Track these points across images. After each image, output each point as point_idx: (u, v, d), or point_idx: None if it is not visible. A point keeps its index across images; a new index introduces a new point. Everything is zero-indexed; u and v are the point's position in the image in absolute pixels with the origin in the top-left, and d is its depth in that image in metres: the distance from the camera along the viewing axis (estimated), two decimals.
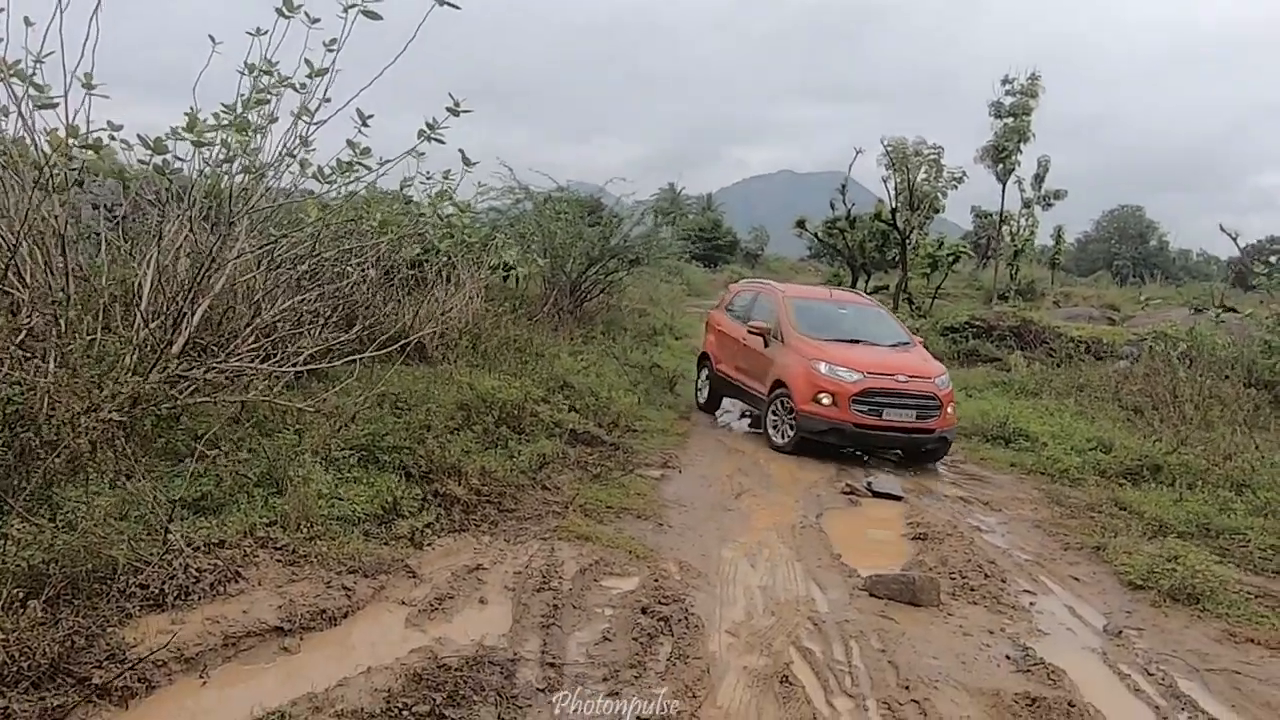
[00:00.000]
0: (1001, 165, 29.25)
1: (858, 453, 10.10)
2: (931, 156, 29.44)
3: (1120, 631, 5.47)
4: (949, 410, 9.86)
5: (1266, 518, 7.72)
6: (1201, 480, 8.82)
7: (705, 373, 12.18)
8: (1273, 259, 31.69)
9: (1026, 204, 34.33)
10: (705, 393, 12.07)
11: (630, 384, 11.54)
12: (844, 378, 9.58)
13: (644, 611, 4.89)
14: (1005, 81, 29.03)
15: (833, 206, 30.64)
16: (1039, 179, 33.89)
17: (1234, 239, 22.52)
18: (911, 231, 28.33)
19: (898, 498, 8.24)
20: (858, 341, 10.43)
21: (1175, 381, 13.30)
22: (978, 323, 23.16)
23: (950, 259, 28.74)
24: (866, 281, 30.62)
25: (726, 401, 12.19)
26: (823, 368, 9.72)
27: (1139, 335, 19.43)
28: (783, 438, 9.92)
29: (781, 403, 10.01)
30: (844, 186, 30.07)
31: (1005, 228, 34.32)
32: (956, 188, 29.34)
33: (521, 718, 3.75)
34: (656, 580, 5.43)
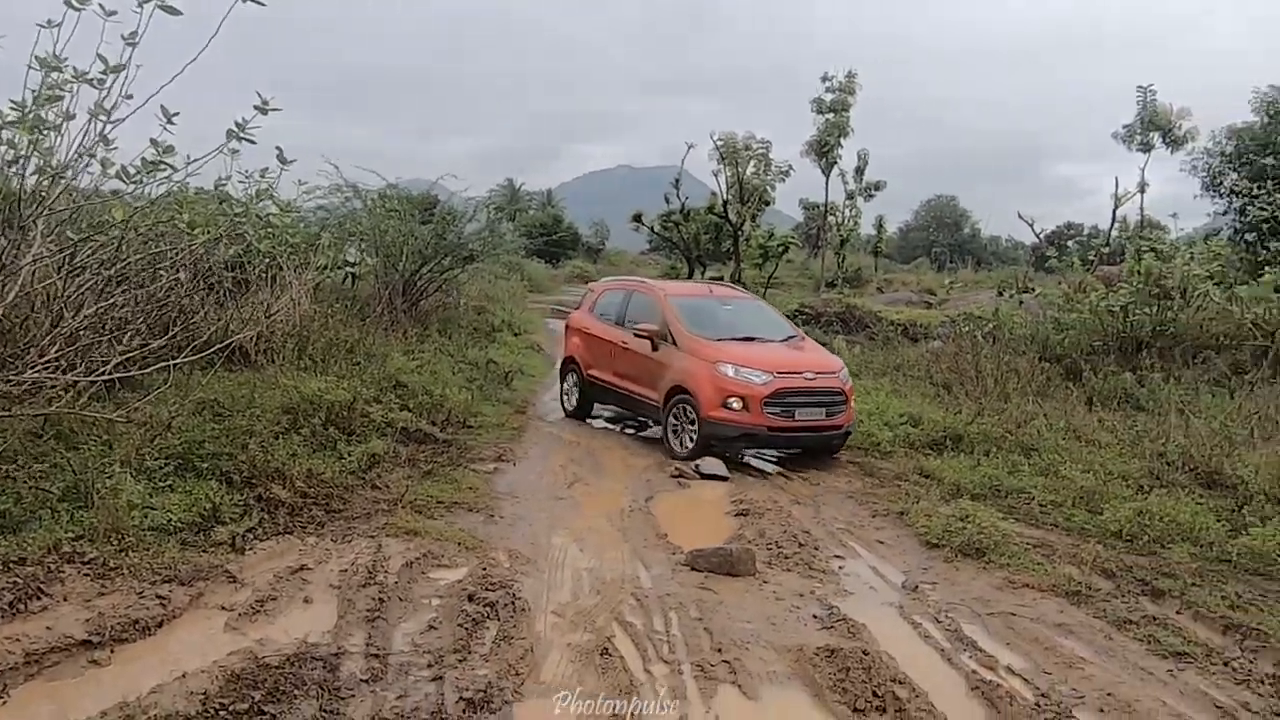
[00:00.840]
0: (824, 159, 30.70)
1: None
2: (760, 151, 30.60)
3: (916, 586, 5.98)
4: (851, 403, 9.82)
5: (1048, 477, 8.53)
6: (996, 447, 9.63)
7: (573, 378, 11.51)
8: (1069, 244, 34.47)
9: (850, 195, 36.14)
10: (574, 399, 11.44)
11: (466, 381, 11.57)
12: (753, 380, 9.15)
13: (470, 599, 5.01)
14: (825, 79, 30.55)
15: (667, 200, 31.36)
16: (860, 171, 35.75)
17: (1031, 225, 24.49)
18: (743, 223, 29.35)
19: (723, 478, 8.64)
20: (752, 339, 10.07)
21: (978, 359, 14.38)
22: (807, 310, 24.31)
23: (781, 249, 30.00)
24: (703, 273, 31.48)
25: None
26: (729, 370, 9.23)
27: (950, 317, 20.88)
28: (684, 447, 9.39)
29: (682, 409, 9.48)
30: (678, 181, 30.82)
31: (831, 218, 36.02)
32: (784, 180, 30.68)
33: (344, 708, 3.81)
34: (485, 569, 5.56)
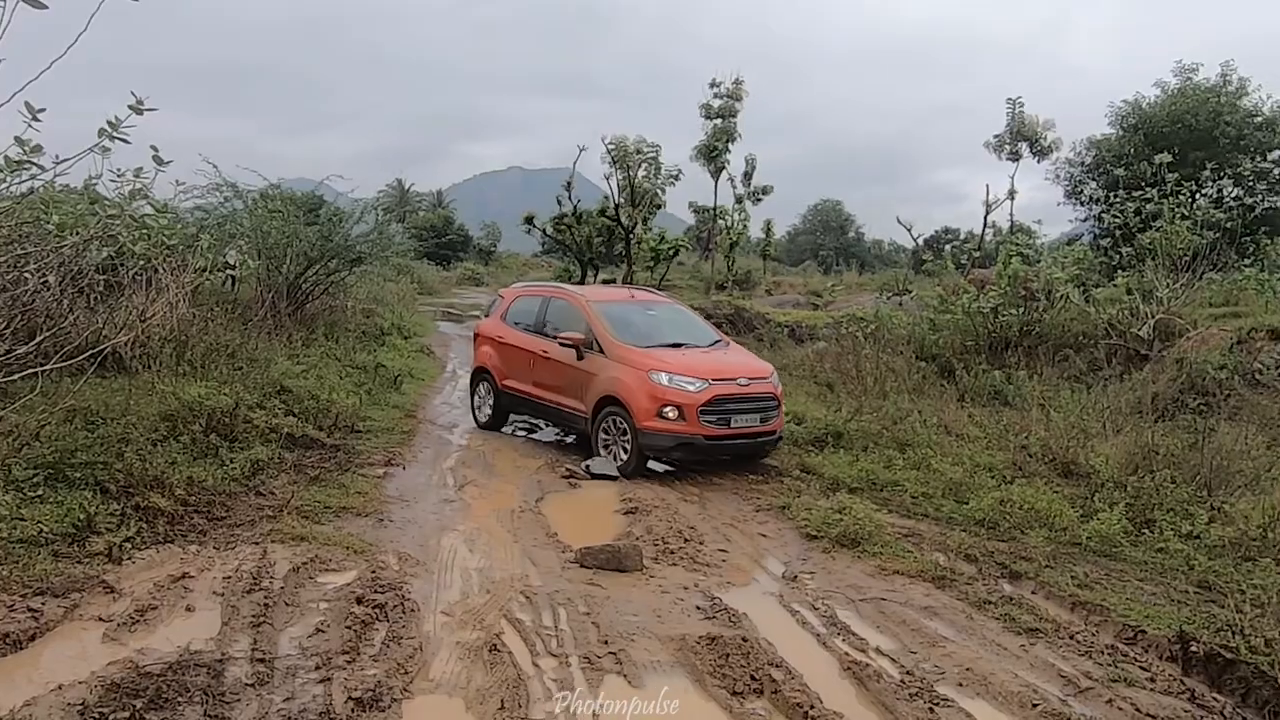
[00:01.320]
0: (713, 164, 31.26)
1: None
2: (651, 155, 30.95)
3: (795, 576, 6.26)
4: (782, 407, 9.73)
5: (920, 470, 9.00)
6: (874, 443, 10.08)
7: (486, 389, 11.09)
8: (947, 247, 35.97)
9: (739, 199, 36.82)
10: (487, 410, 11.03)
11: (354, 385, 11.43)
12: (687, 388, 8.87)
13: (359, 601, 5.03)
14: (713, 85, 31.10)
15: (559, 203, 31.41)
16: (748, 176, 36.44)
17: (909, 230, 25.49)
18: (635, 226, 29.64)
19: (613, 478, 8.80)
20: (679, 345, 9.77)
21: (859, 359, 14.97)
22: (697, 311, 24.70)
23: (671, 252, 30.47)
24: (595, 275, 31.65)
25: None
26: (663, 379, 8.92)
27: (835, 319, 21.61)
28: (618, 460, 9.08)
29: (613, 421, 9.16)
30: (569, 183, 30.90)
31: (721, 222, 36.67)
32: (674, 184, 31.11)
33: (230, 713, 3.81)
34: (374, 572, 5.58)
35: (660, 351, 9.44)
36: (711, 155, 31.20)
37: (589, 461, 9.08)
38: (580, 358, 9.67)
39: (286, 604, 4.97)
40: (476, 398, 11.35)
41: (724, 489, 8.70)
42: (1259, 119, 23.52)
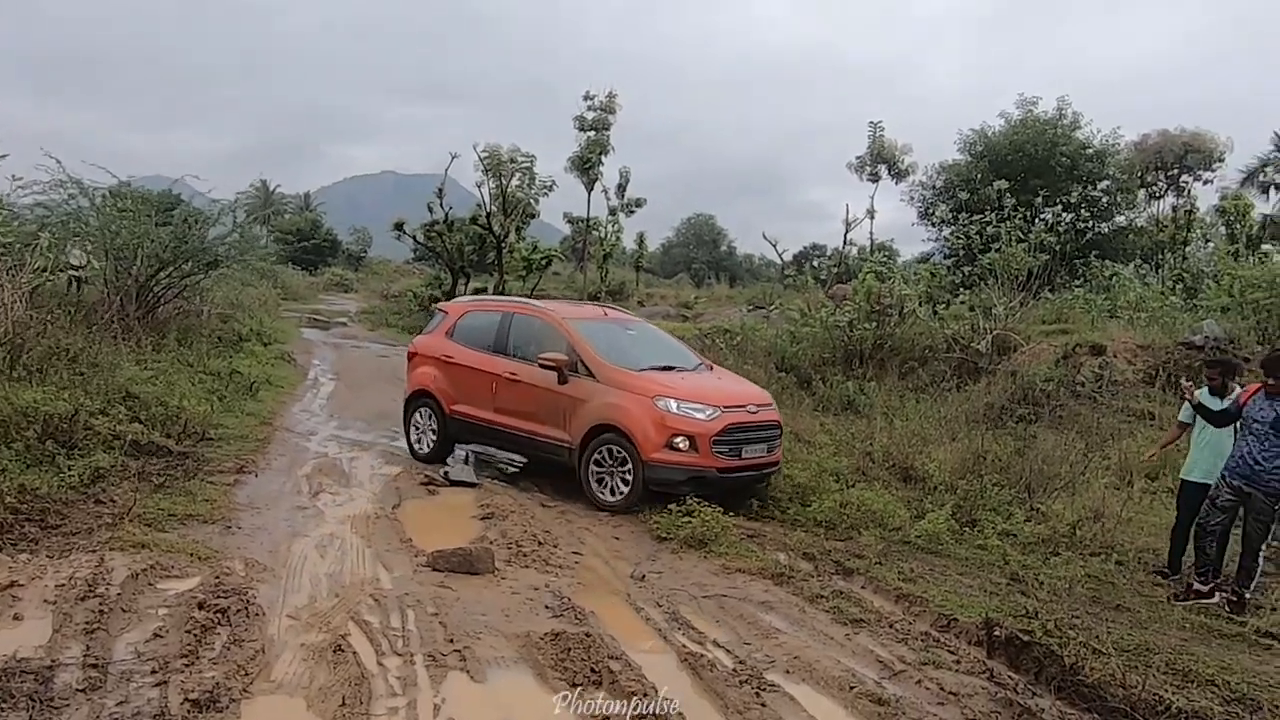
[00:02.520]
0: (586, 175, 31.58)
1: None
2: (525, 164, 31.01)
3: (644, 576, 6.51)
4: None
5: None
6: None
7: (428, 416, 9.90)
8: (814, 263, 37.19)
9: (612, 211, 37.27)
10: (430, 440, 9.85)
11: (206, 392, 11.12)
12: (698, 416, 8.17)
13: (201, 607, 4.99)
14: (587, 98, 31.45)
15: (430, 210, 31.08)
16: (622, 188, 36.97)
17: (774, 245, 26.40)
18: (507, 235, 29.60)
19: (473, 484, 8.88)
20: (672, 368, 9.04)
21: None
22: None
23: (544, 262, 30.54)
24: (466, 284, 31.42)
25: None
26: (673, 406, 8.17)
27: (703, 330, 22.15)
28: (615, 494, 8.30)
29: (609, 452, 8.34)
30: (441, 190, 30.61)
31: (596, 233, 37.03)
32: (548, 195, 31.24)
33: (58, 717, 3.75)
34: (218, 578, 5.52)
35: (657, 375, 8.71)
36: (585, 167, 31.53)
37: (447, 468, 9.12)
38: (563, 381, 8.72)
39: (124, 610, 4.89)
40: (414, 426, 10.05)
41: (581, 495, 8.88)
42: (1090, 150, 25.45)
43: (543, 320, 9.42)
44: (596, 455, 8.42)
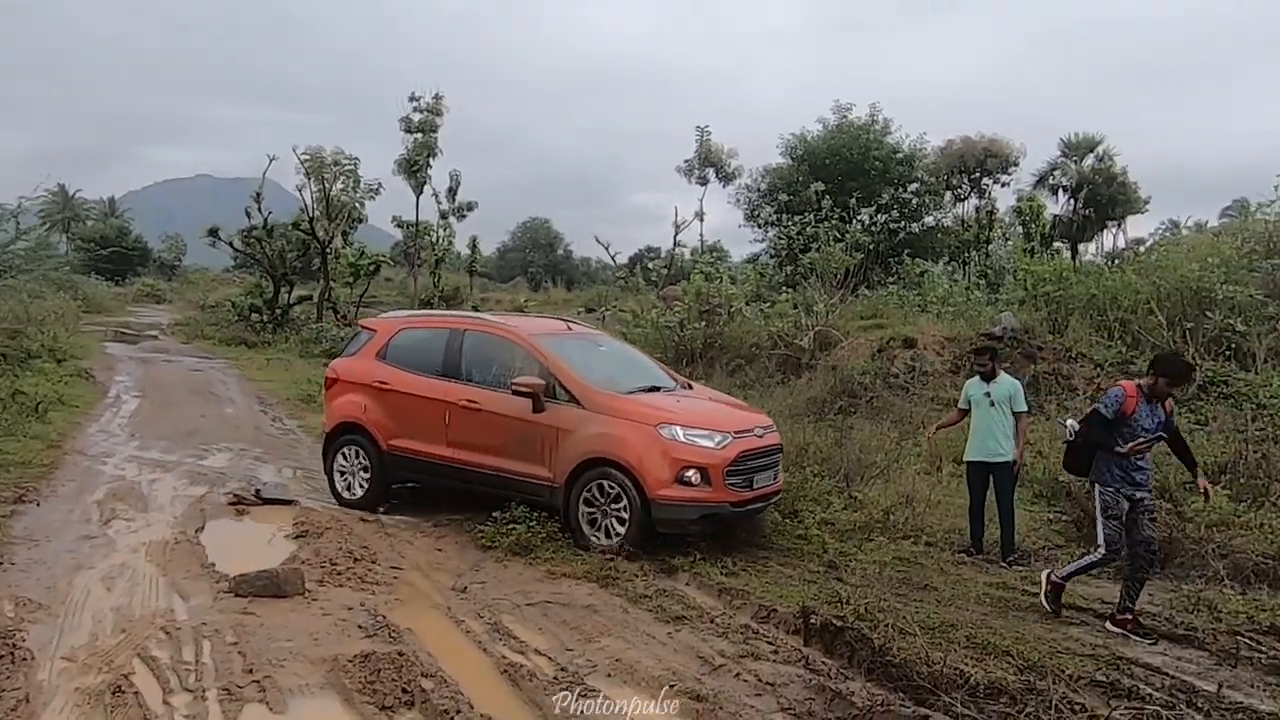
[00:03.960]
0: (414, 178, 30.79)
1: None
2: (349, 167, 29.96)
3: (465, 588, 6.32)
4: None
5: None
6: None
7: (357, 453, 8.52)
8: (649, 265, 37.68)
9: (444, 215, 36.47)
10: (362, 481, 8.50)
11: None
12: (707, 444, 7.20)
13: None
14: (413, 99, 30.65)
15: (248, 214, 29.55)
16: (453, 192, 36.21)
17: (606, 248, 26.46)
18: (331, 240, 28.50)
19: (288, 502, 8.42)
20: (658, 389, 8.19)
21: None
22: None
23: (372, 268, 29.58)
24: (290, 292, 30.05)
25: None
26: (679, 434, 7.20)
27: None
28: (611, 535, 7.21)
29: (602, 488, 7.28)
30: (259, 194, 29.16)
31: (427, 238, 36.17)
32: (374, 198, 30.30)
33: None
34: None
35: (650, 398, 7.82)
36: (412, 170, 30.71)
37: (260, 485, 8.62)
38: (538, 409, 7.59)
39: None
40: (340, 467, 8.64)
41: (402, 508, 8.59)
42: (900, 155, 26.92)
43: (504, 338, 8.20)
44: (587, 493, 7.34)
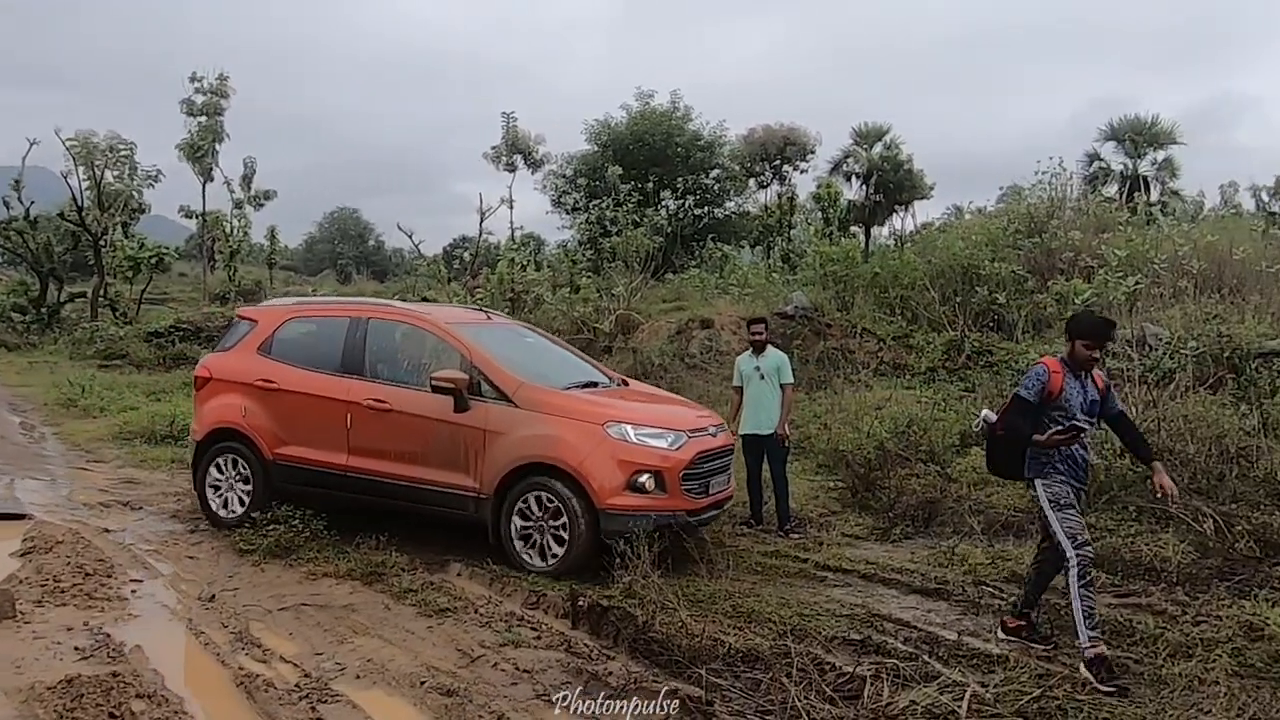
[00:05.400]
0: (199, 164, 28.86)
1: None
2: (125, 153, 27.75)
3: (214, 596, 5.82)
4: None
5: None
6: None
7: (234, 464, 7.41)
8: (466, 254, 36.89)
9: (238, 204, 34.37)
10: (241, 496, 7.37)
11: None
12: (658, 445, 6.41)
13: None
14: (194, 79, 28.69)
15: (7, 205, 26.83)
16: (248, 179, 34.19)
17: (410, 236, 25.52)
18: (106, 232, 26.30)
19: (21, 516, 7.57)
20: (594, 384, 7.38)
21: None
22: (184, 325, 22.74)
23: (154, 260, 27.48)
24: (60, 289, 27.50)
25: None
26: (630, 433, 6.38)
27: None
28: (547, 556, 6.30)
29: (540, 500, 6.35)
30: (18, 182, 26.50)
31: (221, 229, 33.98)
32: (154, 186, 28.19)
33: None
34: None
35: (594, 394, 7.05)
36: (197, 155, 28.76)
37: None
38: (461, 409, 6.59)
39: None
40: (215, 481, 7.49)
41: (164, 513, 7.94)
42: (701, 141, 27.46)
43: (415, 327, 7.25)
44: (522, 504, 6.42)
